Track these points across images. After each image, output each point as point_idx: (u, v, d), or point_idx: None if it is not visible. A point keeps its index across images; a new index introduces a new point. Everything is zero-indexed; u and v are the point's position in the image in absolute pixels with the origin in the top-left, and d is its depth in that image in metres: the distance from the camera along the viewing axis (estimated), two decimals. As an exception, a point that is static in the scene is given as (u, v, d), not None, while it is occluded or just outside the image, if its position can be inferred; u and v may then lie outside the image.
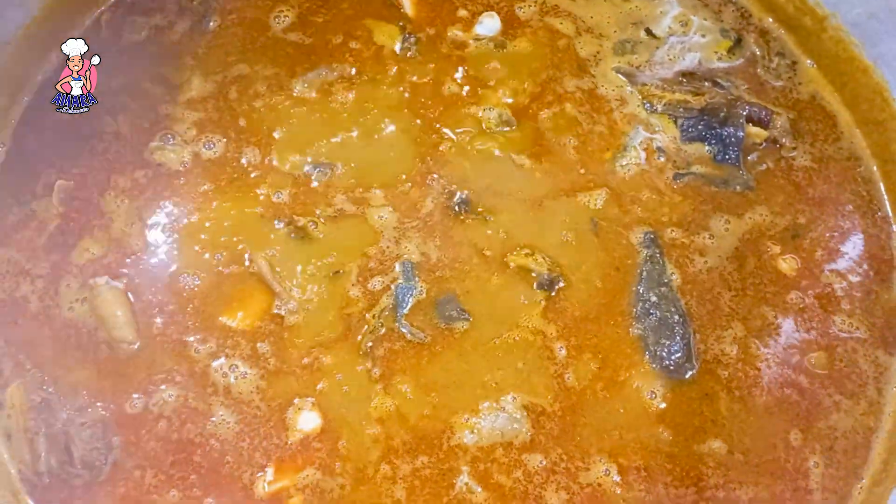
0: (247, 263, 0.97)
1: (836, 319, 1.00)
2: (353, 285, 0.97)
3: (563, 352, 0.95)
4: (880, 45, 1.04)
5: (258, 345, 0.94)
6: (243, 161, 1.03)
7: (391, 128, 1.06)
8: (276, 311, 0.95)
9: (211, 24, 1.11)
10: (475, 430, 0.92)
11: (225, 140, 1.04)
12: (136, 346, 0.93)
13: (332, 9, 1.14)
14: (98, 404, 0.91)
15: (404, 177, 1.03)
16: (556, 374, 0.95)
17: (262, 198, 1.01)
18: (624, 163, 1.05)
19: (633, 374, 0.95)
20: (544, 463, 0.91)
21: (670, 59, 1.13)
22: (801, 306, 1.00)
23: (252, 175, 1.02)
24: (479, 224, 1.01)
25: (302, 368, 0.93)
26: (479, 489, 0.89)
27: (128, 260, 0.97)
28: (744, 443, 0.93)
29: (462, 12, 1.14)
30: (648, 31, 1.15)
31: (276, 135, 1.05)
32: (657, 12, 1.16)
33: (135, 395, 0.91)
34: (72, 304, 0.95)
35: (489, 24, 1.12)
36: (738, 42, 1.14)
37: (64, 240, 0.98)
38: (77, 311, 0.95)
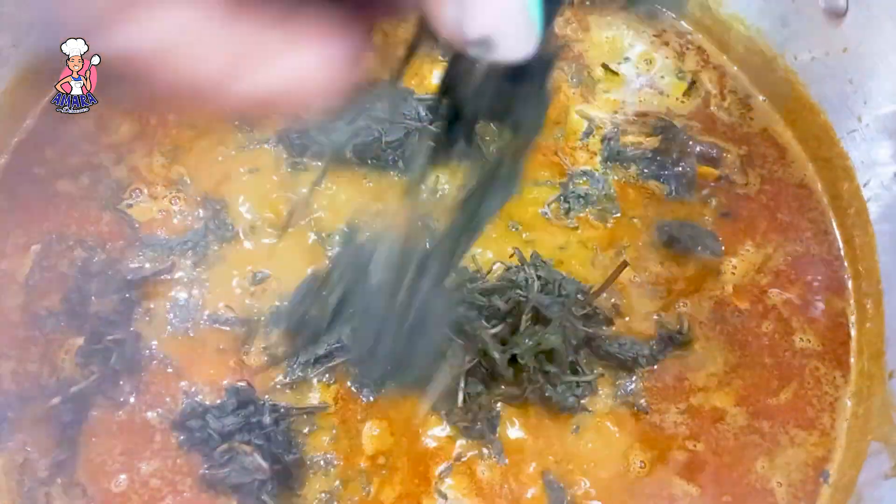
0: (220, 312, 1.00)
1: (794, 339, 1.02)
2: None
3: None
4: (824, 87, 1.07)
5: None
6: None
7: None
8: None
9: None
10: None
11: (192, 195, 1.07)
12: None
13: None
14: (75, 465, 0.93)
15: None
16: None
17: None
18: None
19: (599, 416, 0.97)
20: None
21: (628, 101, 1.16)
22: (757, 332, 1.02)
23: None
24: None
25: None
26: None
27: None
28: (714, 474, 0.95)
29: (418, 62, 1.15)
30: (605, 67, 1.18)
31: (244, 178, 1.08)
32: (619, 53, 1.19)
33: (115, 470, 0.93)
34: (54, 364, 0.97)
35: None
36: (693, 84, 1.17)
37: (36, 308, 1.00)
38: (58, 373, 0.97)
